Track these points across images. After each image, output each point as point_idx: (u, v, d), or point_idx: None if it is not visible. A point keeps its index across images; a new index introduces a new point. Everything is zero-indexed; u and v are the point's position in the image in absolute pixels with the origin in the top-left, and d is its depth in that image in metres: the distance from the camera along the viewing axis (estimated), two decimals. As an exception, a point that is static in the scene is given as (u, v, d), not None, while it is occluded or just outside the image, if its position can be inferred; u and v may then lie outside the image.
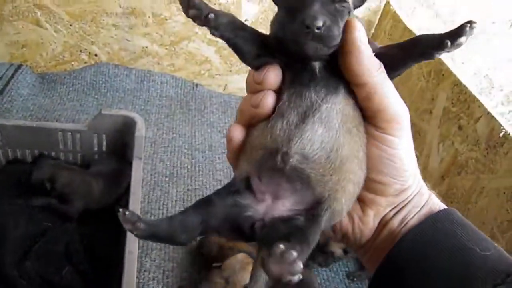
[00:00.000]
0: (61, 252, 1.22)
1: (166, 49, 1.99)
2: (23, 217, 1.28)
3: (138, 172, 1.26)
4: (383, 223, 0.53)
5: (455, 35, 0.45)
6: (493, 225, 1.25)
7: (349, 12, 0.47)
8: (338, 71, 0.49)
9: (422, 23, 1.95)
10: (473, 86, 1.40)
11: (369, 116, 0.50)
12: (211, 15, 0.46)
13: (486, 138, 1.31)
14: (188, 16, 0.46)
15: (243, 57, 0.51)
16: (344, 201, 0.50)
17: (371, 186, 0.52)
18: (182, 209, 1.40)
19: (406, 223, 0.52)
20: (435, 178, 1.49)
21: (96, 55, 1.98)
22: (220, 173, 1.66)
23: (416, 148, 1.49)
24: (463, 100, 1.42)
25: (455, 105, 1.45)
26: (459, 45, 0.45)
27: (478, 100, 1.36)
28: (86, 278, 1.19)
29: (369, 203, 0.53)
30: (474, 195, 1.33)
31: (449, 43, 0.45)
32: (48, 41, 1.90)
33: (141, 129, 1.38)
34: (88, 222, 1.32)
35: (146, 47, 1.97)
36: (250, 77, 0.52)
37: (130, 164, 1.29)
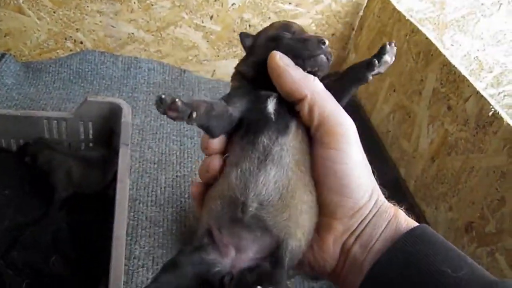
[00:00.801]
0: (48, 241, 1.21)
1: (152, 35, 1.96)
2: (11, 207, 1.27)
3: (125, 159, 1.24)
4: (345, 251, 0.50)
5: (379, 54, 0.51)
6: (483, 204, 1.25)
7: None
8: (290, 109, 0.52)
9: (411, 4, 1.94)
10: (462, 68, 1.39)
11: (314, 134, 0.50)
12: (193, 114, 0.47)
13: (475, 118, 1.30)
14: (166, 116, 0.47)
15: (212, 136, 0.52)
16: (300, 235, 0.49)
17: (323, 208, 0.50)
18: (171, 196, 1.40)
19: (370, 249, 0.48)
20: (425, 160, 1.49)
21: (81, 42, 1.95)
22: (209, 159, 1.64)
23: (405, 130, 1.50)
24: (452, 80, 1.41)
25: (444, 85, 1.44)
26: (386, 62, 0.51)
27: (467, 80, 1.35)
28: (75, 266, 1.18)
29: (325, 228, 0.51)
30: (464, 175, 1.32)
31: (376, 62, 0.50)
32: (31, 28, 1.86)
33: (127, 116, 1.35)
34: (75, 210, 1.30)
35: (132, 33, 1.94)
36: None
37: (118, 151, 1.28)
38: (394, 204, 0.53)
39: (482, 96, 1.29)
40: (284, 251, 0.48)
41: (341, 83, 0.54)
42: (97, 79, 1.95)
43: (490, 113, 1.25)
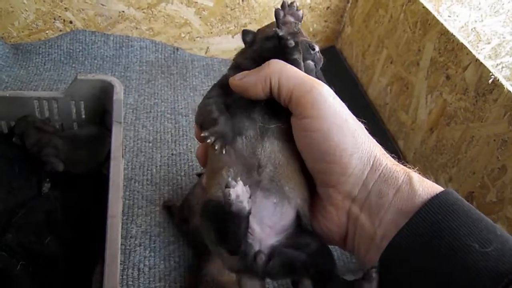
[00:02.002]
0: (42, 221, 1.19)
1: (143, 12, 1.91)
2: (2, 189, 1.24)
3: (118, 137, 1.21)
4: (352, 219, 0.47)
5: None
6: (484, 174, 1.23)
7: None
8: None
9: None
10: (461, 39, 1.36)
11: (289, 109, 0.49)
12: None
13: (475, 86, 1.28)
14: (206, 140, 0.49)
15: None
16: (307, 200, 0.50)
17: (316, 178, 0.49)
18: (167, 174, 1.38)
19: (380, 220, 0.44)
20: (424, 131, 1.46)
21: (71, 22, 1.91)
22: (204, 136, 1.62)
23: (403, 102, 1.47)
24: (451, 49, 1.38)
25: (443, 54, 1.41)
26: None
27: (466, 48, 1.32)
28: (70, 247, 1.16)
29: (324, 198, 0.49)
30: (464, 145, 1.30)
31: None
32: (19, 9, 1.81)
33: (119, 93, 1.32)
34: (69, 190, 1.28)
35: (123, 11, 1.90)
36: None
37: (111, 130, 1.25)
38: (405, 165, 0.48)
39: (481, 63, 1.26)
40: (305, 219, 0.48)
41: None
42: (89, 59, 1.91)
43: (490, 81, 1.23)
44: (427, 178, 0.48)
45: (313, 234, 0.48)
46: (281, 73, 0.48)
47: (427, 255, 0.40)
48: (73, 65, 1.88)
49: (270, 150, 0.49)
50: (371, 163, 0.46)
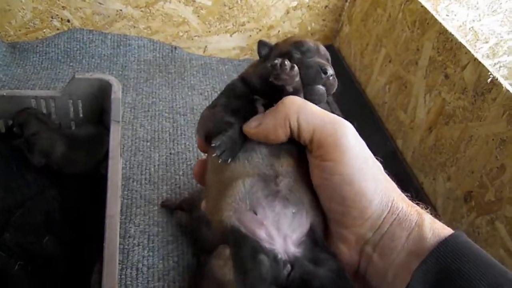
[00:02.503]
0: (40, 221, 1.18)
1: (141, 11, 1.91)
2: (0, 189, 1.24)
3: (116, 136, 1.21)
4: (365, 257, 0.47)
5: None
6: (482, 173, 1.23)
7: None
8: None
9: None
10: (460, 38, 1.36)
11: (307, 148, 0.47)
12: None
13: (473, 85, 1.28)
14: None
15: None
16: (321, 220, 0.47)
17: (330, 217, 0.47)
18: (165, 173, 1.38)
19: (392, 262, 0.44)
20: (423, 130, 1.46)
21: (68, 21, 1.90)
22: (203, 135, 1.62)
23: (402, 101, 1.47)
24: (449, 48, 1.38)
25: (441, 54, 1.41)
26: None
27: (464, 47, 1.32)
28: (68, 246, 1.15)
29: (337, 237, 0.47)
30: (462, 144, 1.30)
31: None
32: (16, 7, 1.81)
33: (117, 92, 1.32)
34: (68, 190, 1.28)
35: (121, 10, 1.89)
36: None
37: (109, 129, 1.25)
38: (418, 205, 0.48)
39: (480, 63, 1.26)
40: (320, 236, 0.46)
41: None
42: (86, 58, 1.90)
43: (489, 80, 1.23)
44: (420, 207, 0.47)
45: (330, 251, 0.46)
46: (299, 113, 0.46)
47: None
48: (71, 64, 1.87)
49: (287, 164, 0.47)
50: (389, 207, 0.45)
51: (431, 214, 0.46)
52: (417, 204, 0.47)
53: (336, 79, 0.52)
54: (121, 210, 1.30)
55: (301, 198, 0.46)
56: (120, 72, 1.86)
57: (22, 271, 1.08)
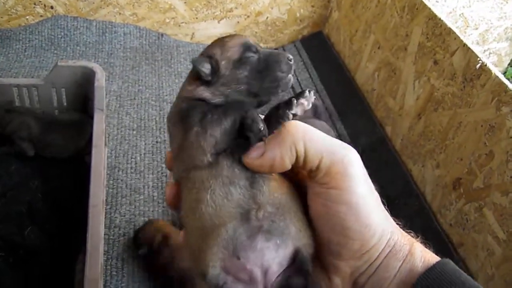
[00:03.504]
0: (23, 212, 1.16)
1: (127, -3, 1.87)
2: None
3: (100, 124, 1.19)
4: (357, 287, 0.47)
5: (298, 96, 0.47)
6: (471, 160, 1.22)
7: None
8: None
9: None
10: (449, 24, 1.34)
11: (309, 174, 0.46)
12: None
13: (462, 71, 1.26)
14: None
15: None
16: (310, 243, 0.47)
17: (327, 248, 0.46)
18: (151, 162, 1.36)
19: None
20: (412, 117, 1.45)
21: (52, 7, 1.86)
22: (190, 123, 1.60)
23: (391, 88, 1.45)
24: (438, 33, 1.36)
25: (430, 39, 1.39)
26: (302, 104, 0.48)
27: (453, 33, 1.31)
28: (52, 236, 1.13)
29: (332, 269, 0.47)
30: (451, 131, 1.29)
31: (294, 101, 0.47)
32: (-3, -7, 1.76)
33: (101, 79, 1.29)
34: (50, 178, 1.26)
35: (106, -4, 1.86)
36: None
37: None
38: (410, 234, 0.48)
39: (469, 48, 1.25)
40: (304, 258, 0.46)
41: (269, 122, 0.48)
42: (71, 46, 1.87)
43: (478, 66, 1.22)
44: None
45: (309, 279, 0.46)
46: (305, 139, 0.45)
47: None
48: (55, 52, 1.83)
49: (269, 191, 0.46)
50: (387, 239, 0.45)
51: (421, 242, 0.47)
52: (408, 233, 0.48)
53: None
54: (106, 200, 1.28)
55: (286, 226, 0.45)
56: (106, 60, 1.83)
57: (4, 263, 1.06)
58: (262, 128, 0.45)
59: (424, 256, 0.45)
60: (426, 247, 0.47)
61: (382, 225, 0.45)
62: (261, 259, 0.44)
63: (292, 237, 0.45)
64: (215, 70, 0.52)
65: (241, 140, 0.47)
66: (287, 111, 0.47)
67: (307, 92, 0.48)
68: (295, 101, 0.47)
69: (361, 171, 0.45)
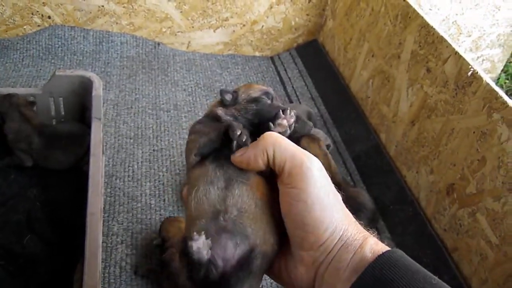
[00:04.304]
0: (22, 220, 1.17)
1: (123, 7, 1.89)
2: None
3: (97, 133, 1.20)
4: (318, 277, 0.54)
5: (274, 119, 0.59)
6: (464, 165, 1.24)
7: None
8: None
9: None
10: (441, 32, 1.36)
11: (278, 175, 0.56)
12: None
13: (454, 79, 1.29)
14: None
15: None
16: (273, 241, 0.57)
17: (293, 241, 0.55)
18: (148, 170, 1.37)
19: (339, 279, 0.52)
20: (405, 124, 1.47)
21: (49, 17, 1.87)
22: (186, 131, 1.60)
23: (385, 95, 1.47)
24: (431, 41, 1.38)
25: (423, 47, 1.42)
26: (281, 124, 0.60)
27: (445, 41, 1.33)
28: (50, 245, 1.14)
29: (297, 259, 0.55)
30: (444, 137, 1.31)
31: (272, 125, 0.59)
32: (-5, 4, 1.78)
33: (98, 89, 1.30)
34: (49, 187, 1.27)
35: (102, 6, 1.87)
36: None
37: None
38: (369, 231, 0.55)
39: (461, 56, 1.27)
40: (256, 255, 0.55)
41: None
42: (68, 55, 1.88)
43: (469, 73, 1.24)
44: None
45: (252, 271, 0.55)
46: (275, 145, 0.55)
47: None
48: (52, 61, 1.85)
49: (239, 195, 0.56)
50: (340, 235, 0.53)
51: (377, 238, 0.54)
52: (367, 230, 0.55)
53: (294, 116, 0.61)
54: (104, 208, 1.29)
55: (244, 228, 0.55)
56: (103, 69, 1.84)
57: (3, 272, 1.07)
58: (244, 139, 0.57)
59: (374, 248, 0.51)
60: (383, 243, 0.54)
61: (336, 222, 0.53)
62: (224, 252, 0.54)
63: (249, 239, 0.55)
64: (234, 99, 0.65)
65: (226, 147, 0.58)
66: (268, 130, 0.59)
67: (280, 112, 0.60)
68: (272, 125, 0.59)
69: (317, 175, 0.53)
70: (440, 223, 1.32)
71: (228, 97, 0.65)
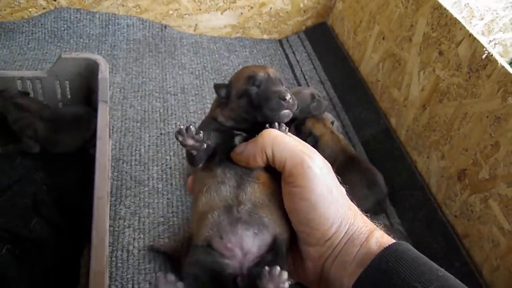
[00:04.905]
0: (28, 204, 1.16)
1: (129, -11, 1.86)
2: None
3: (104, 116, 1.18)
4: (325, 271, 0.55)
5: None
6: (476, 151, 1.22)
7: None
8: None
9: None
10: (455, 14, 1.33)
11: (281, 175, 0.55)
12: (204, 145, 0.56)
13: (468, 62, 1.25)
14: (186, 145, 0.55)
15: (195, 164, 0.59)
16: (287, 232, 0.56)
17: (299, 237, 0.55)
18: (155, 154, 1.36)
19: (346, 272, 0.52)
20: (416, 108, 1.45)
21: (55, -1, 1.85)
22: (194, 115, 1.59)
23: (396, 79, 1.44)
24: (444, 24, 1.35)
25: (435, 30, 1.38)
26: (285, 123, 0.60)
27: (459, 23, 1.29)
28: (57, 229, 1.14)
29: (304, 254, 0.56)
30: (456, 121, 1.29)
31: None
32: (0, -15, 1.76)
33: (104, 71, 1.29)
34: (55, 171, 1.26)
35: (108, -12, 1.85)
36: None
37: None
38: (376, 224, 0.55)
39: (475, 38, 1.24)
40: (281, 242, 0.54)
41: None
42: (74, 38, 1.86)
43: (484, 56, 1.21)
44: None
45: (284, 264, 0.53)
46: (273, 144, 0.54)
47: None
48: (58, 44, 1.83)
49: (251, 192, 0.55)
50: (346, 229, 0.53)
51: (384, 230, 0.55)
52: (374, 223, 0.56)
53: (294, 98, 0.58)
54: (111, 192, 1.28)
55: (261, 218, 0.54)
56: (109, 52, 1.82)
57: (10, 255, 1.06)
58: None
59: (380, 241, 0.52)
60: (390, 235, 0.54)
61: (341, 217, 0.53)
62: (241, 242, 0.53)
63: (267, 228, 0.54)
64: (228, 95, 0.62)
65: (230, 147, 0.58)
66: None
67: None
68: (269, 124, 0.58)
69: (318, 172, 0.53)
70: (451, 209, 1.30)
71: (223, 92, 0.62)
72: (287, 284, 0.49)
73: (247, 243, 0.53)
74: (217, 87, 0.63)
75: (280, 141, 0.55)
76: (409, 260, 0.49)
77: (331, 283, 0.54)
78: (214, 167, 0.58)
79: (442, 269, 0.48)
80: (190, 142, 0.55)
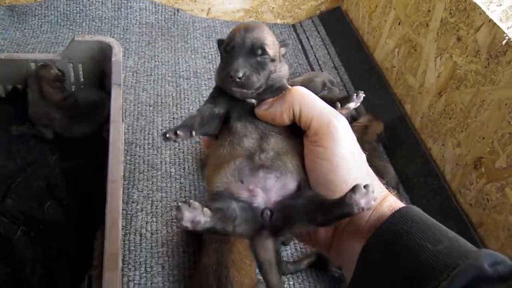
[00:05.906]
0: (42, 187, 1.17)
1: (142, -29, 1.85)
2: (1, 155, 1.22)
3: (117, 99, 1.18)
4: (337, 234, 0.54)
5: (345, 100, 0.57)
6: (494, 139, 1.20)
7: (272, 60, 0.57)
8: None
9: None
10: None
11: (305, 132, 0.55)
12: (193, 132, 0.53)
13: (487, 48, 1.23)
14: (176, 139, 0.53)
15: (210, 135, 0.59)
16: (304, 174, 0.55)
17: None
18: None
19: (358, 235, 0.52)
20: (432, 95, 1.42)
21: (67, -19, 1.84)
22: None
23: (411, 65, 1.42)
24: (463, 9, 1.32)
25: (454, 15, 1.35)
26: (348, 108, 0.57)
27: (478, 8, 1.27)
28: (71, 211, 1.14)
29: None
30: (473, 109, 1.26)
31: (339, 105, 0.56)
32: (13, -33, 1.75)
33: (118, 54, 1.28)
34: (69, 155, 1.26)
35: (121, -30, 1.83)
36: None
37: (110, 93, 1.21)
38: (390, 191, 0.55)
39: (495, 24, 1.21)
40: (305, 185, 0.54)
41: None
42: (87, 21, 1.85)
43: (504, 42, 1.18)
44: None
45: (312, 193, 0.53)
46: (302, 102, 0.54)
47: (390, 255, 0.48)
48: (71, 27, 1.82)
49: (274, 142, 0.55)
50: None
51: (397, 197, 0.54)
52: (390, 191, 0.55)
53: (253, 77, 0.55)
54: (124, 175, 1.28)
55: (284, 164, 0.53)
56: (122, 35, 1.81)
57: (25, 237, 1.07)
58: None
59: (392, 205, 0.52)
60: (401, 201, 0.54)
61: (359, 182, 0.51)
62: (264, 183, 0.53)
63: (291, 172, 0.54)
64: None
65: (245, 106, 0.57)
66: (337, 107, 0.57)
67: (355, 95, 0.57)
68: (339, 104, 0.57)
69: (343, 135, 0.52)
70: (466, 198, 1.29)
71: (220, 49, 0.60)
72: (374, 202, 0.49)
73: (269, 184, 0.53)
74: (219, 42, 0.61)
75: (308, 99, 0.54)
76: (419, 221, 0.49)
77: (343, 247, 0.54)
78: (234, 124, 0.56)
79: (452, 231, 0.48)
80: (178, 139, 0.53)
